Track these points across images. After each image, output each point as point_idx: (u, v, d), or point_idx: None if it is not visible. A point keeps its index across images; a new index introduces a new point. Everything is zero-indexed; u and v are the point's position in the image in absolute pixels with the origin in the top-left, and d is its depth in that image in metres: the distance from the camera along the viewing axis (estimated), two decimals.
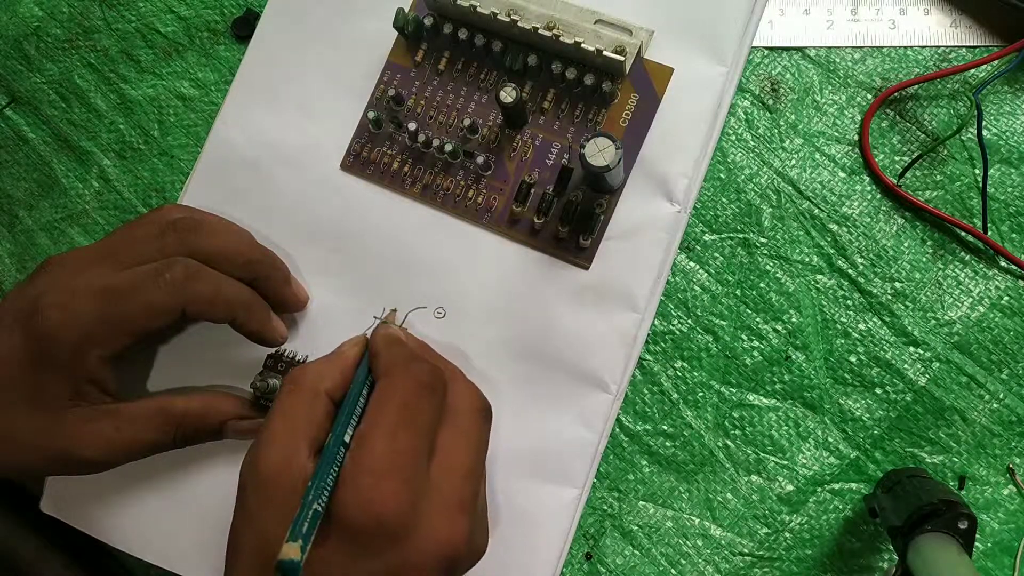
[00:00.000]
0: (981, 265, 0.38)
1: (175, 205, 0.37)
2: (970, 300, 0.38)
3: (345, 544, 0.27)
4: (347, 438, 0.29)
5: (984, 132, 0.38)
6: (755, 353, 0.38)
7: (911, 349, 0.38)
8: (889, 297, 0.38)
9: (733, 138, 0.39)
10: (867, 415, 0.38)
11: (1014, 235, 0.38)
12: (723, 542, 0.38)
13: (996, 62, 0.38)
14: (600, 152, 0.33)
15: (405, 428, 0.29)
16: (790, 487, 0.38)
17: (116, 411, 0.34)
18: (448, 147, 0.37)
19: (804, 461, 0.38)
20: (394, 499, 0.28)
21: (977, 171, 0.38)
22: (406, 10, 0.38)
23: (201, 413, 0.35)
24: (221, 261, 0.34)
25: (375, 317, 0.38)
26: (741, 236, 0.39)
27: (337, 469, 0.28)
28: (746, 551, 0.38)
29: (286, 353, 0.37)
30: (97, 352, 0.33)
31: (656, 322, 0.39)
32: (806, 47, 0.39)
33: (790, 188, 0.39)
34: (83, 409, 0.33)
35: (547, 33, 0.35)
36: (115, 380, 0.34)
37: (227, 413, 0.36)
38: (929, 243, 0.38)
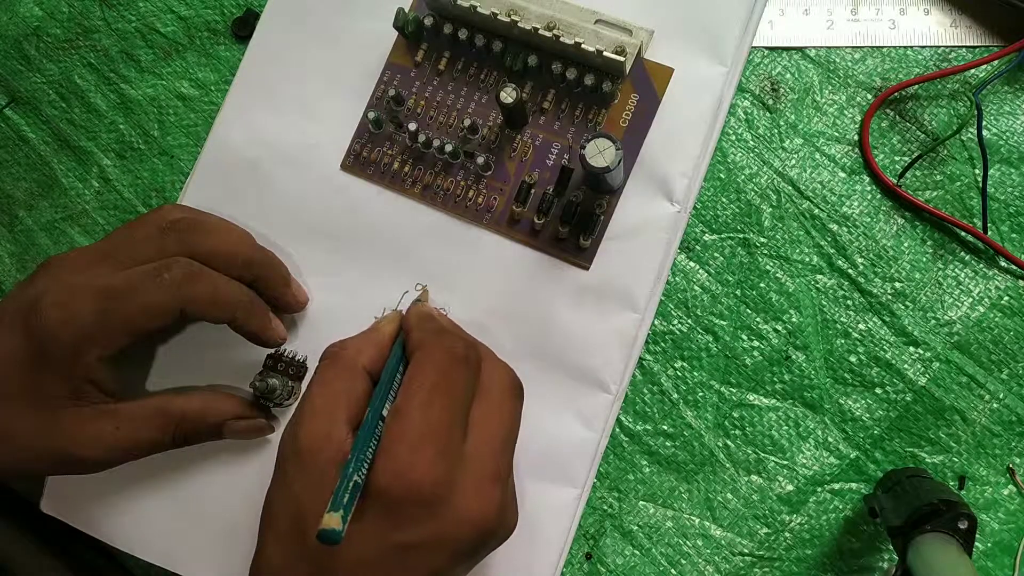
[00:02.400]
0: (981, 265, 0.38)
1: (175, 205, 0.37)
2: (970, 300, 0.38)
3: (381, 514, 0.28)
4: (384, 412, 0.30)
5: (984, 132, 0.38)
6: (755, 353, 0.38)
7: (911, 349, 0.38)
8: (889, 297, 0.38)
9: (733, 138, 0.39)
10: (867, 415, 0.38)
11: (1014, 235, 0.38)
12: (723, 542, 0.38)
13: (996, 62, 0.38)
14: (600, 153, 0.33)
15: (440, 399, 0.29)
16: (790, 487, 0.38)
17: (115, 411, 0.34)
18: (448, 147, 0.37)
19: (804, 461, 0.38)
20: (430, 469, 0.28)
21: (977, 171, 0.38)
22: (406, 10, 0.38)
23: (200, 413, 0.35)
24: (220, 261, 0.34)
25: (410, 290, 0.38)
26: (741, 236, 0.39)
27: (376, 443, 0.29)
28: (746, 551, 0.38)
29: (286, 353, 0.37)
30: (96, 352, 0.33)
31: (656, 322, 0.39)
32: (806, 47, 0.39)
33: (790, 188, 0.39)
34: (82, 409, 0.33)
35: (547, 33, 0.35)
36: (114, 380, 0.34)
37: (226, 413, 0.36)
38: (929, 243, 0.38)
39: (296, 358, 0.37)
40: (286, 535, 0.29)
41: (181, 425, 0.35)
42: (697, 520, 0.38)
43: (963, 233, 0.38)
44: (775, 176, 0.39)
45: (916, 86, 0.39)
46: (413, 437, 0.28)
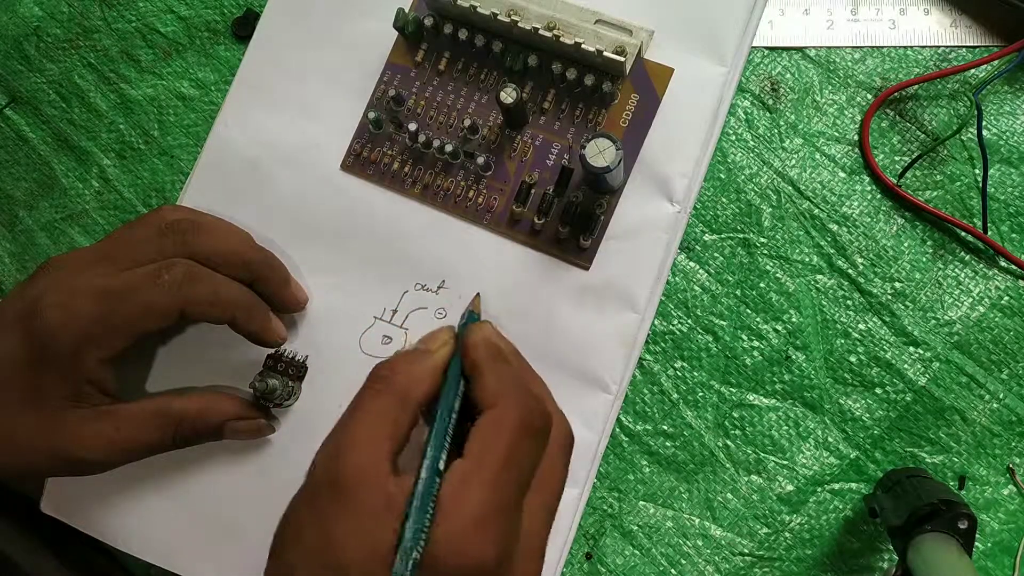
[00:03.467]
0: (981, 265, 0.38)
1: (174, 206, 0.37)
2: (970, 300, 0.38)
3: None
4: (440, 464, 0.28)
5: (984, 132, 0.38)
6: (755, 353, 0.38)
7: (911, 349, 0.38)
8: (889, 297, 0.38)
9: (733, 138, 0.39)
10: (867, 415, 0.38)
11: (1014, 235, 0.38)
12: (723, 542, 0.38)
13: (996, 62, 0.38)
14: (600, 153, 0.33)
15: (508, 475, 0.28)
16: (790, 487, 0.38)
17: (115, 412, 0.34)
18: (448, 147, 0.37)
19: (804, 461, 0.38)
20: (493, 550, 0.27)
21: (977, 171, 0.38)
22: (406, 10, 0.38)
23: (200, 413, 0.35)
24: (220, 262, 0.34)
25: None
26: (741, 236, 0.39)
27: (433, 505, 0.27)
28: (746, 551, 0.38)
29: (286, 353, 0.37)
30: (96, 353, 0.33)
31: (656, 322, 0.39)
32: (806, 47, 0.39)
33: (790, 188, 0.39)
34: (82, 410, 0.33)
35: (547, 33, 0.35)
36: (114, 381, 0.34)
37: (226, 413, 0.36)
38: (929, 243, 0.38)
39: (296, 358, 0.37)
40: (315, 561, 0.27)
41: (181, 426, 0.35)
42: (697, 520, 0.38)
43: (963, 233, 0.38)
44: (775, 176, 0.39)
45: (916, 86, 0.39)
46: (479, 513, 0.27)
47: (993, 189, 0.38)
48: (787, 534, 0.38)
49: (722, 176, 0.39)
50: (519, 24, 0.35)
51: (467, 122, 0.37)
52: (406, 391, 0.29)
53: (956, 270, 0.38)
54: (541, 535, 0.29)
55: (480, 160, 0.37)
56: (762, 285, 0.39)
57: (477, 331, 0.31)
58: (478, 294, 0.36)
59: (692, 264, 0.39)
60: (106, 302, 0.32)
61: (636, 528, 0.38)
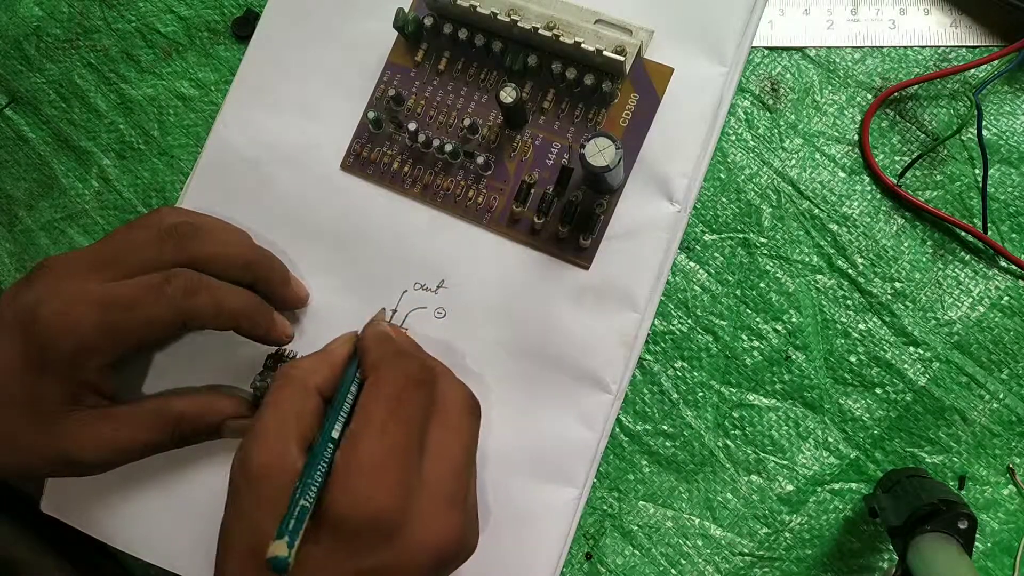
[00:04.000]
0: (981, 265, 0.38)
1: (171, 208, 0.37)
2: (970, 300, 0.38)
3: (338, 542, 0.28)
4: (335, 434, 0.29)
5: (984, 132, 0.38)
6: (755, 353, 0.38)
7: (911, 349, 0.38)
8: (889, 297, 0.38)
9: (733, 138, 0.39)
10: (867, 415, 0.38)
11: (1014, 235, 0.38)
12: (723, 542, 0.38)
13: (996, 62, 0.38)
14: (600, 152, 0.33)
15: (395, 424, 0.29)
16: (790, 487, 0.38)
17: (113, 413, 0.34)
18: (448, 147, 0.37)
19: (804, 461, 0.38)
20: (387, 497, 0.28)
21: (977, 171, 0.38)
22: (406, 10, 0.38)
23: (199, 413, 0.35)
24: (220, 265, 0.34)
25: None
26: (741, 236, 0.39)
27: (326, 466, 0.28)
28: (746, 551, 0.38)
29: (287, 353, 0.37)
30: (96, 360, 0.33)
31: (656, 322, 0.39)
32: (806, 47, 0.39)
33: (790, 188, 0.39)
34: (81, 412, 0.33)
35: (547, 33, 0.35)
36: (113, 384, 0.34)
37: (225, 412, 0.36)
38: (929, 243, 0.38)
39: (296, 357, 0.37)
40: (245, 562, 0.28)
41: (179, 425, 0.35)
42: (697, 520, 0.38)
43: (963, 233, 0.38)
44: (775, 176, 0.39)
45: (916, 86, 0.39)
46: (370, 463, 0.28)
47: (993, 189, 0.38)
48: (787, 534, 0.38)
49: (722, 176, 0.39)
50: (519, 24, 0.35)
51: (467, 122, 0.37)
52: (304, 381, 0.31)
53: (956, 270, 0.38)
54: (446, 486, 0.30)
55: (480, 160, 0.37)
56: (762, 285, 0.39)
57: (372, 326, 0.34)
58: (383, 309, 0.37)
59: (692, 264, 0.39)
60: (107, 312, 0.32)
61: (636, 528, 0.38)
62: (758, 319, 0.38)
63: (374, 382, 0.31)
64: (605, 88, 0.36)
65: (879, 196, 0.39)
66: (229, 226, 0.36)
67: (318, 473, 0.28)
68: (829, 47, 0.39)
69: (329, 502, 0.28)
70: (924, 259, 0.38)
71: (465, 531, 0.30)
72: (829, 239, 0.38)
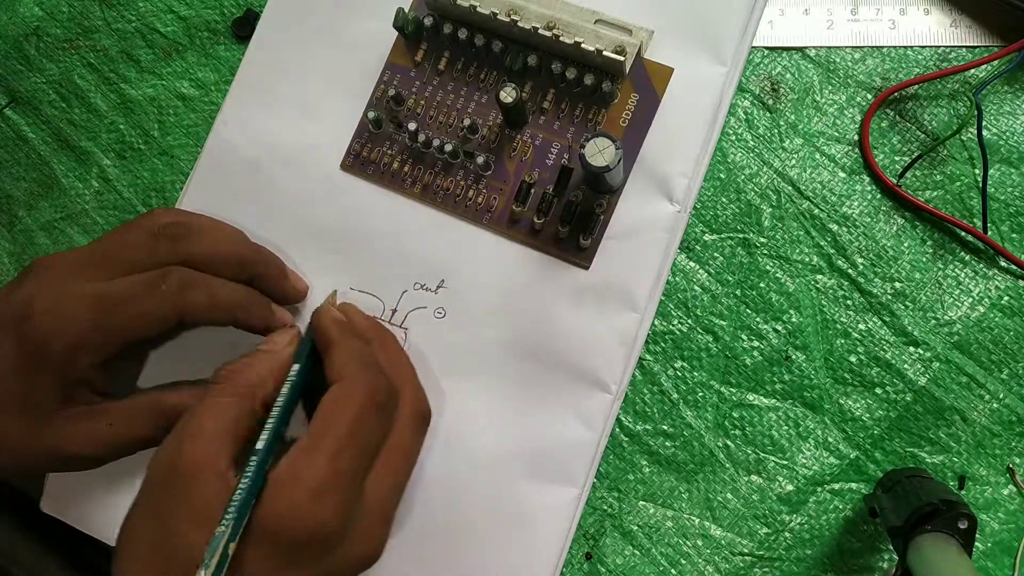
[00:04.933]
0: (981, 265, 0.38)
1: (165, 209, 0.37)
2: (970, 300, 0.38)
3: (274, 554, 0.28)
4: (260, 445, 0.29)
5: (984, 132, 0.38)
6: (755, 353, 0.38)
7: (911, 349, 0.38)
8: (889, 297, 0.38)
9: (733, 138, 0.39)
10: (867, 415, 0.38)
11: (1014, 235, 0.38)
12: (723, 542, 0.38)
13: (996, 62, 0.37)
14: (600, 152, 0.33)
15: (351, 448, 0.29)
16: (790, 487, 0.38)
17: (107, 409, 0.34)
18: (448, 147, 0.37)
19: (804, 461, 0.38)
20: (330, 516, 0.28)
21: (977, 171, 0.38)
22: (406, 10, 0.38)
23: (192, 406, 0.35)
24: (215, 264, 0.34)
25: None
26: (741, 236, 0.39)
27: (257, 488, 0.28)
28: (746, 551, 0.38)
29: None
30: (89, 357, 0.33)
31: (656, 322, 0.39)
32: (806, 47, 0.39)
33: (790, 188, 0.39)
34: (75, 409, 0.33)
35: (547, 33, 0.35)
36: (107, 380, 0.34)
37: None
38: (929, 243, 0.38)
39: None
40: (145, 559, 0.28)
41: (173, 419, 0.35)
42: (697, 520, 0.38)
43: (963, 233, 0.38)
44: (775, 176, 0.39)
45: (916, 86, 0.39)
46: (318, 483, 0.28)
47: (993, 189, 0.38)
48: (787, 534, 0.38)
49: (722, 176, 0.39)
50: (519, 24, 0.35)
51: (467, 122, 0.37)
52: (251, 392, 0.31)
53: (956, 270, 0.38)
54: (383, 504, 0.30)
55: (480, 160, 0.37)
56: (762, 285, 0.39)
57: (323, 312, 0.33)
58: (334, 291, 0.36)
59: (692, 264, 0.39)
60: (101, 309, 0.32)
61: (636, 528, 0.38)
62: (758, 319, 0.38)
63: (336, 396, 0.30)
64: (605, 88, 0.36)
65: (879, 196, 0.39)
66: (223, 225, 0.36)
67: (250, 501, 0.28)
68: (829, 47, 0.39)
69: (268, 515, 0.28)
70: (924, 259, 0.38)
71: (386, 542, 0.31)
72: (829, 239, 0.38)
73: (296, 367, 0.32)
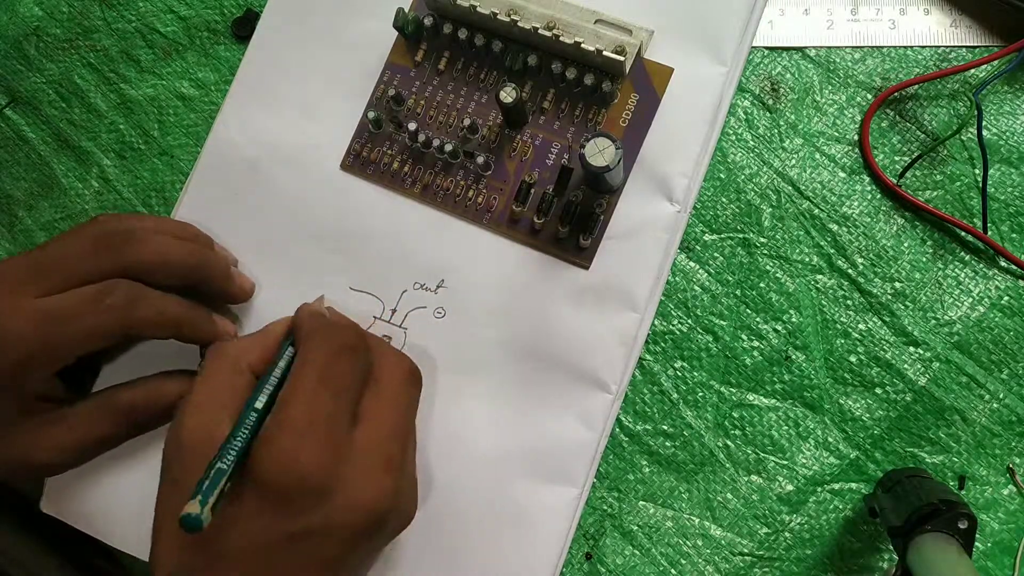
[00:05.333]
0: (981, 265, 0.38)
1: (108, 215, 0.36)
2: (970, 300, 0.38)
3: (265, 503, 0.28)
4: (259, 404, 0.30)
5: (984, 132, 0.38)
6: (755, 353, 0.38)
7: (911, 349, 0.38)
8: (889, 297, 0.38)
9: (733, 138, 0.39)
10: (867, 415, 0.38)
11: (1014, 235, 0.38)
12: (723, 542, 0.38)
13: (996, 62, 0.38)
14: (600, 152, 0.33)
15: (325, 388, 0.30)
16: (790, 487, 0.38)
17: (65, 414, 0.34)
18: (448, 147, 0.37)
19: (804, 461, 0.38)
20: (315, 458, 0.28)
21: (977, 171, 0.38)
22: (406, 10, 0.38)
23: (148, 399, 0.35)
24: (158, 272, 0.34)
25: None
26: (741, 236, 0.39)
27: (248, 432, 0.29)
28: (746, 551, 0.38)
29: None
30: (39, 372, 0.33)
31: (656, 322, 0.39)
32: (806, 47, 0.39)
33: (790, 188, 0.39)
34: (35, 419, 0.33)
35: (547, 33, 0.35)
36: (61, 389, 0.34)
37: (173, 394, 0.36)
38: (929, 243, 0.38)
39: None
40: (175, 532, 0.29)
41: (131, 415, 0.35)
42: (697, 520, 0.38)
43: (963, 233, 0.38)
44: (775, 176, 0.39)
45: (916, 86, 0.39)
46: (297, 426, 0.29)
47: (993, 189, 0.38)
48: (787, 534, 0.38)
49: (722, 176, 0.39)
50: (519, 24, 0.35)
51: (467, 122, 0.37)
52: (236, 358, 0.32)
53: (956, 270, 0.38)
54: (382, 452, 0.30)
55: (480, 160, 0.37)
56: (762, 285, 0.39)
57: (306, 306, 0.34)
58: (322, 296, 0.36)
59: (692, 264, 0.39)
60: (47, 325, 0.32)
61: (636, 528, 0.38)
62: (758, 319, 0.38)
63: (305, 350, 0.31)
64: (605, 88, 0.36)
65: (879, 196, 0.39)
66: (167, 226, 0.36)
67: (238, 439, 0.29)
68: (829, 47, 0.39)
69: (254, 463, 0.28)
70: (924, 259, 0.38)
71: (400, 495, 0.30)
72: (829, 239, 0.38)
73: (286, 342, 0.33)
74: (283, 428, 0.29)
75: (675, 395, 0.39)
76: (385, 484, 0.30)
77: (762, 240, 0.39)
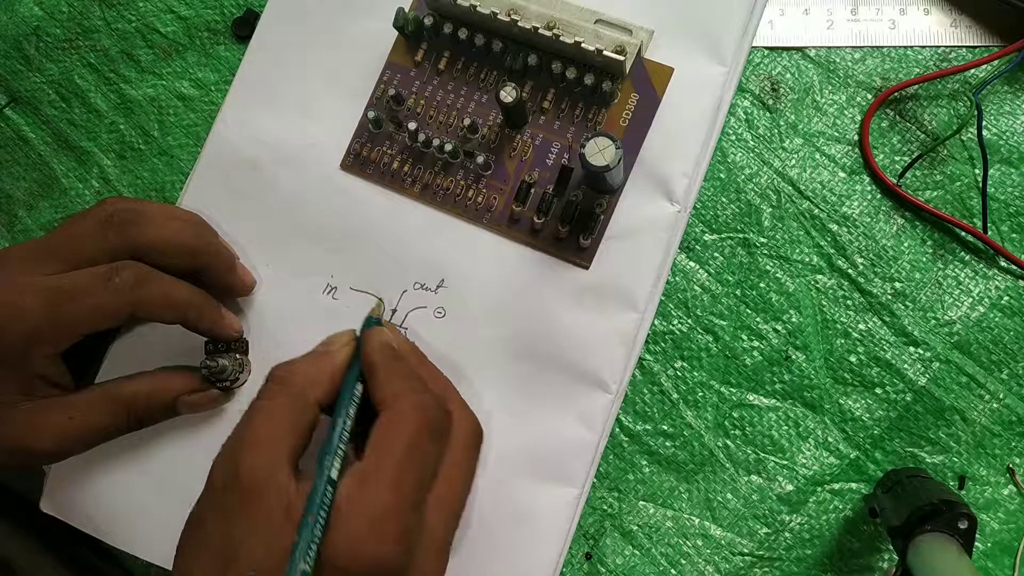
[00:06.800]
0: (981, 265, 0.38)
1: (116, 198, 0.36)
2: (970, 300, 0.38)
3: None
4: (334, 473, 0.28)
5: (984, 132, 0.38)
6: (755, 353, 0.38)
7: (911, 349, 0.38)
8: (889, 297, 0.38)
9: (733, 138, 0.39)
10: (867, 415, 0.38)
11: (1014, 235, 0.38)
12: (723, 542, 0.38)
13: (996, 62, 0.38)
14: (600, 152, 0.33)
15: (409, 474, 0.28)
16: (790, 487, 0.38)
17: (67, 401, 0.34)
18: (448, 147, 0.37)
19: (804, 461, 0.38)
20: (392, 548, 0.27)
21: (977, 171, 0.38)
22: (406, 10, 0.38)
23: (149, 393, 0.35)
24: (164, 253, 0.34)
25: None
26: (741, 236, 0.39)
27: (327, 511, 0.27)
28: (746, 551, 0.38)
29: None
30: (44, 350, 0.33)
31: (656, 322, 0.39)
32: (806, 47, 0.39)
33: (790, 188, 0.39)
34: (34, 402, 0.33)
35: (547, 33, 0.35)
36: (64, 373, 0.34)
37: (176, 390, 0.36)
38: (929, 243, 0.38)
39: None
40: (212, 566, 0.28)
41: (132, 407, 0.35)
42: (697, 520, 0.38)
43: (963, 233, 0.38)
44: (775, 176, 0.39)
45: (916, 86, 0.39)
46: (378, 513, 0.27)
47: (993, 189, 0.38)
48: (787, 534, 0.38)
49: (722, 176, 0.39)
50: (519, 23, 0.35)
51: (467, 121, 0.37)
52: (303, 392, 0.30)
53: (956, 270, 0.38)
54: (444, 532, 0.29)
55: (480, 159, 0.37)
56: (762, 285, 0.39)
57: (375, 335, 0.32)
58: (380, 300, 0.36)
59: (692, 264, 0.39)
60: (55, 301, 0.32)
61: (636, 528, 0.38)
62: (758, 319, 0.38)
63: (390, 422, 0.29)
64: (605, 88, 0.36)
65: (879, 196, 0.39)
66: (174, 211, 0.36)
67: (318, 526, 0.27)
68: (829, 47, 0.39)
69: (331, 547, 0.27)
70: (924, 259, 0.38)
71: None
72: (829, 239, 0.38)
73: (352, 373, 0.31)
74: (364, 514, 0.27)
75: (675, 395, 0.39)
76: (443, 564, 0.29)
77: (762, 240, 0.39)
